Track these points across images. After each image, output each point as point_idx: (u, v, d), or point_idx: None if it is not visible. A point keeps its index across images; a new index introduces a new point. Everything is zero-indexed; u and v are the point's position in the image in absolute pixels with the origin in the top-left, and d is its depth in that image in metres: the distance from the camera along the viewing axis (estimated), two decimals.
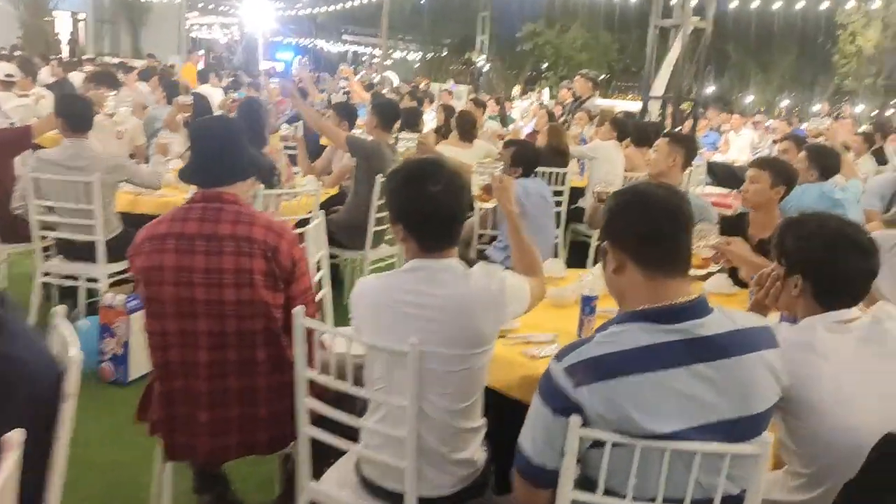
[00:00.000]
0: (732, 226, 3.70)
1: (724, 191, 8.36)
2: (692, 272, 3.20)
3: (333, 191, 5.38)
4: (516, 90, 26.19)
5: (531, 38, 26.90)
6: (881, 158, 8.95)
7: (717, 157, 10.50)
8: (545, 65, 28.22)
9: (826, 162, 4.55)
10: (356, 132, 5.64)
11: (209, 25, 41.71)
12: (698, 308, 1.68)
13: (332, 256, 5.25)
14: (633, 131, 6.73)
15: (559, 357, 1.66)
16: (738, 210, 3.81)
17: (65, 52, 25.12)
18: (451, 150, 6.79)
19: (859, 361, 1.90)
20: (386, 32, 30.23)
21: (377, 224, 5.01)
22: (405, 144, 6.65)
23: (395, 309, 2.02)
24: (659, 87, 8.41)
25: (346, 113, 5.58)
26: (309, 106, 5.33)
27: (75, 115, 4.08)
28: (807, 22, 22.35)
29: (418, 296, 2.01)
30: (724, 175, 9.18)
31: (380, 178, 4.88)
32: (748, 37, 25.07)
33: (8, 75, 6.69)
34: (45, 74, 10.95)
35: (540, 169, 6.25)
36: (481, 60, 24.87)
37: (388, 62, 36.64)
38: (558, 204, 5.93)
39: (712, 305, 1.72)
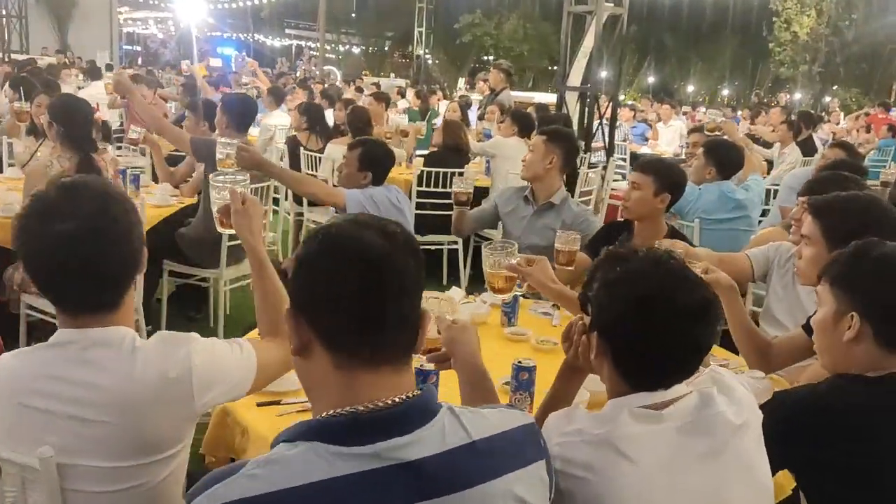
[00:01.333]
0: (611, 236, 3.19)
1: None
2: (489, 297, 2.79)
3: (190, 200, 4.74)
4: (461, 83, 25.71)
5: (469, 30, 26.37)
6: (809, 149, 8.59)
7: (645, 150, 10.09)
8: (490, 57, 27.75)
9: (725, 158, 4.08)
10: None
11: (144, 20, 40.42)
12: (408, 415, 1.12)
13: (186, 276, 4.65)
14: (540, 125, 6.19)
15: (193, 494, 1.08)
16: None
17: None
18: (341, 151, 6.18)
19: (678, 463, 1.36)
20: (324, 25, 29.44)
21: (232, 238, 4.38)
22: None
23: (23, 402, 1.42)
24: (575, 77, 7.89)
25: (207, 112, 4.92)
26: (144, 101, 4.64)
27: None
28: (743, 10, 22.22)
29: (59, 384, 1.42)
30: None
31: None
32: (685, 26, 24.90)
33: None
34: None
35: (437, 169, 5.74)
36: (421, 53, 24.24)
37: (333, 56, 35.91)
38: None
39: (443, 402, 1.17)
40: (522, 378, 2.02)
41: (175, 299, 5.06)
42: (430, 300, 2.14)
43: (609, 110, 7.97)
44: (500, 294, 2.56)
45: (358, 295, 1.11)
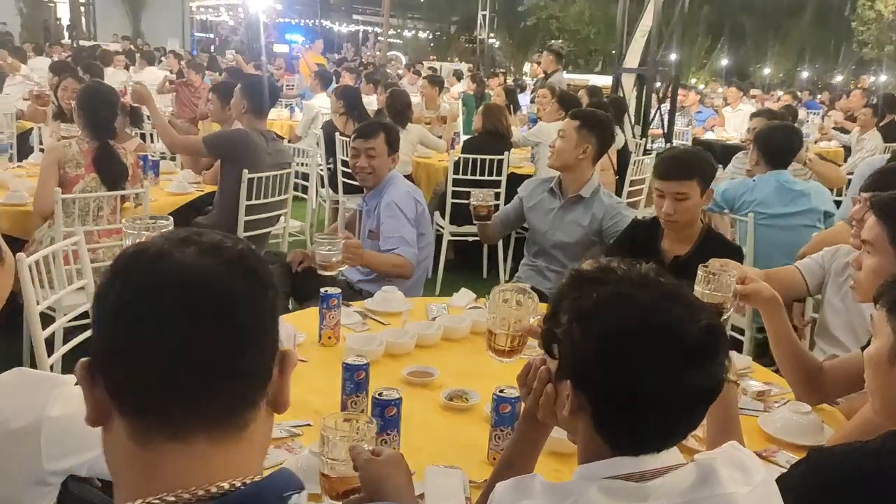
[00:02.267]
0: (636, 239, 2.79)
1: None
2: (496, 358, 1.85)
3: (211, 188, 4.52)
4: (527, 67, 25.11)
5: (534, 13, 25.72)
6: (893, 134, 7.90)
7: (710, 136, 9.51)
8: (558, 41, 27.06)
9: (773, 144, 3.63)
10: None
11: (215, 7, 40.97)
12: None
13: None
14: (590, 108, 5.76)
15: None
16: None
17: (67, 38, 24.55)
18: None
19: None
20: (388, 10, 29.29)
21: (248, 228, 4.16)
22: None
23: None
24: (632, 59, 7.40)
25: (228, 94, 4.68)
26: (159, 114, 4.48)
27: None
28: None
29: None
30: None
31: (247, 174, 4.03)
32: (761, 5, 23.73)
33: None
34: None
35: (474, 156, 5.39)
36: (484, 37, 23.77)
37: (399, 41, 35.73)
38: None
39: None
40: (503, 411, 1.66)
41: None
42: None
43: (669, 94, 7.46)
44: (503, 358, 1.83)
45: (155, 332, 0.78)
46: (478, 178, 5.34)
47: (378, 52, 29.40)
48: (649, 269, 1.14)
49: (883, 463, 1.22)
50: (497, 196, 5.13)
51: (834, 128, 9.29)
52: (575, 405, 1.11)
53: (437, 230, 5.60)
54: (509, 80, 15.28)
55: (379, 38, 33.10)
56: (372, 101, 7.47)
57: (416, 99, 8.69)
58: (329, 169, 6.09)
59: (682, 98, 10.43)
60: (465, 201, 5.23)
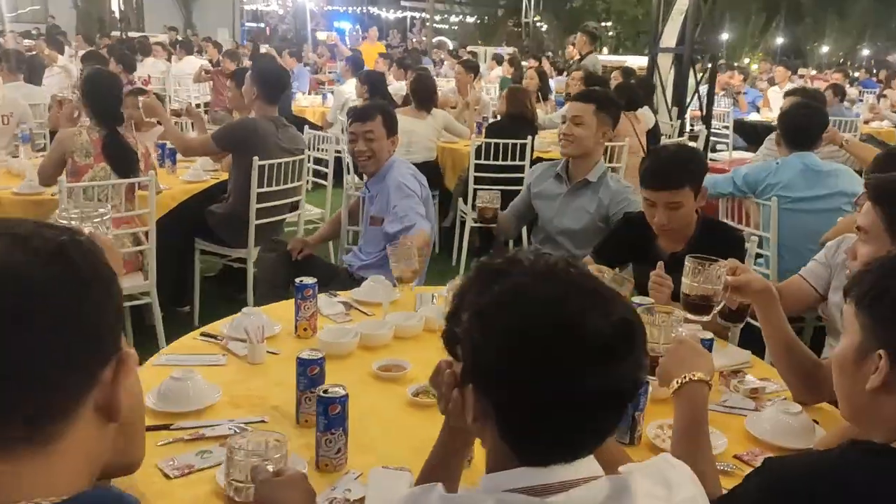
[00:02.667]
0: (635, 231, 2.64)
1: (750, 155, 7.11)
2: None
3: (226, 175, 4.50)
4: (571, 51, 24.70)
5: None
6: None
7: (755, 117, 9.19)
8: (604, 23, 26.52)
9: (795, 123, 3.43)
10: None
11: None
12: None
13: (220, 256, 4.43)
14: (618, 91, 5.58)
15: None
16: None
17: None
18: (402, 119, 5.80)
19: None
20: None
21: (260, 216, 4.13)
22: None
23: None
24: (669, 38, 7.15)
25: (244, 82, 4.63)
26: (171, 123, 4.50)
27: None
28: None
29: None
30: (751, 136, 7.91)
31: (257, 161, 3.99)
32: None
33: None
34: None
35: (496, 140, 5.28)
36: (530, 20, 23.47)
37: (446, 27, 35.53)
38: (516, 183, 4.92)
39: None
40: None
41: (221, 279, 4.89)
42: None
43: (707, 74, 7.20)
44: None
45: None
46: (500, 162, 5.23)
47: (424, 38, 29.29)
48: (559, 259, 1.03)
49: (840, 475, 1.09)
50: (516, 182, 5.04)
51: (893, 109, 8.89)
52: (479, 411, 1.01)
53: (461, 217, 5.51)
54: (549, 64, 15.00)
55: (426, 23, 32.93)
56: (402, 87, 7.38)
57: (452, 84, 8.60)
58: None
59: (728, 79, 10.10)
60: (488, 187, 5.16)
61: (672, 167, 2.43)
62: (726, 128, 8.17)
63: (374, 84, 6.10)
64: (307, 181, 5.22)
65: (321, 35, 33.83)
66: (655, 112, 6.65)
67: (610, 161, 5.16)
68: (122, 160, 3.63)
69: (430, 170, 5.91)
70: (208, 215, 4.25)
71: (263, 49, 12.82)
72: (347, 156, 6.02)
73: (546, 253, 1.09)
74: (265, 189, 4.09)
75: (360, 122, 3.21)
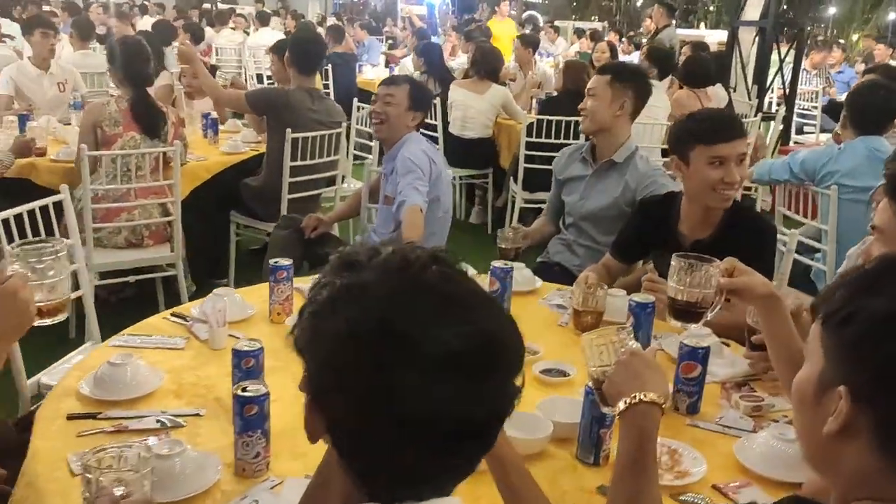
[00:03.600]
0: (654, 217, 2.41)
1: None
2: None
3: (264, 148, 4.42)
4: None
5: None
6: None
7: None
8: None
9: (864, 105, 3.07)
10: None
11: None
12: None
13: (255, 230, 4.37)
14: (686, 67, 5.22)
15: None
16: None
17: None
18: (460, 93, 5.64)
19: None
20: None
21: (293, 190, 4.03)
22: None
23: None
24: (753, 10, 6.66)
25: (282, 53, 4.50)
26: (206, 71, 4.41)
27: None
28: None
29: None
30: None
31: (290, 133, 3.89)
32: None
33: None
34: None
35: (553, 117, 5.02)
36: None
37: (539, 1, 34.80)
38: None
39: None
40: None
41: (264, 253, 4.84)
42: None
43: (792, 50, 6.69)
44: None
45: None
46: (553, 140, 4.98)
47: (514, 12, 28.77)
48: (423, 255, 0.86)
49: None
50: None
51: None
52: (320, 430, 0.86)
53: (512, 196, 5.31)
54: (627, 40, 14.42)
55: None
56: (466, 61, 7.17)
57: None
58: None
59: (821, 57, 9.42)
60: (539, 166, 4.94)
61: (731, 115, 2.30)
62: (814, 108, 7.61)
63: (430, 56, 5.93)
64: (349, 155, 5.12)
65: (409, 8, 33.80)
66: (732, 90, 6.24)
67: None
68: (150, 119, 3.62)
69: (486, 147, 5.72)
70: (243, 188, 4.19)
71: (331, 20, 12.76)
72: None
73: (417, 247, 0.90)
74: (298, 163, 3.99)
75: (385, 86, 3.11)
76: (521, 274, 2.40)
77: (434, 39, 13.38)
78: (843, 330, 0.90)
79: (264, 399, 1.41)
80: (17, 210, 2.55)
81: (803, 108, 7.64)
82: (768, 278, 2.05)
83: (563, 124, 4.97)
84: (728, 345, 2.02)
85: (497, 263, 2.14)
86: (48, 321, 1.46)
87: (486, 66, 5.65)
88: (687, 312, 1.63)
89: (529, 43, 7.16)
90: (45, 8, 9.92)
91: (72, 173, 3.85)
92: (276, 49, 4.72)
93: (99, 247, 3.56)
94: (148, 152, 3.58)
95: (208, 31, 10.45)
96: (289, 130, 3.89)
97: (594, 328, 2.03)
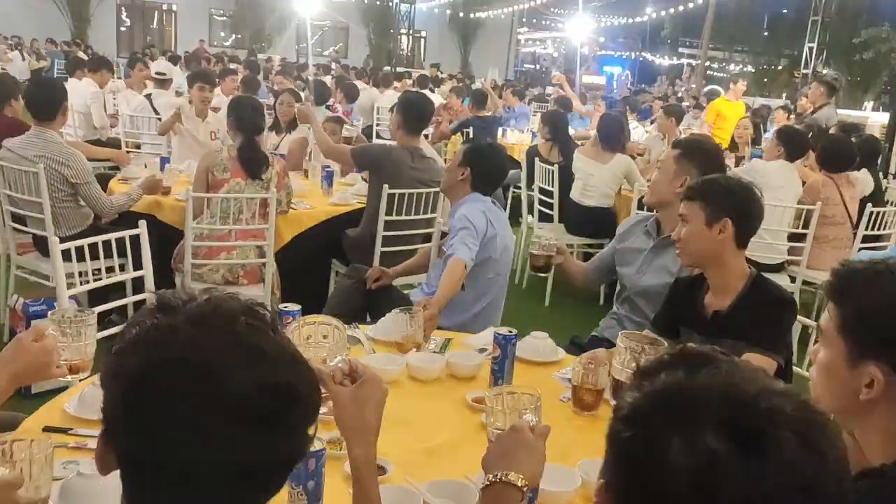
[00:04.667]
0: (682, 292, 2.30)
1: None
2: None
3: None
4: (868, 107, 22.28)
5: (873, 46, 22.72)
6: None
7: None
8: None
9: None
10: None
11: (542, 40, 42.51)
12: None
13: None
14: (822, 149, 4.88)
15: None
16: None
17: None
18: (582, 161, 5.59)
19: None
20: (707, 41, 27.97)
21: (387, 244, 4.15)
22: None
23: None
24: None
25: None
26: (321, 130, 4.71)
27: (38, 102, 3.89)
28: None
29: None
30: None
31: (387, 189, 4.03)
32: None
33: (159, 73, 6.99)
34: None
35: None
36: (808, 72, 21.63)
37: (723, 75, 33.95)
38: None
39: None
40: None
41: None
42: None
43: None
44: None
45: None
46: None
47: (692, 86, 28.21)
48: (237, 304, 0.91)
49: None
50: None
51: None
52: (111, 462, 0.90)
53: None
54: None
55: (694, 70, 31.75)
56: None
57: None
58: (529, 195, 5.93)
59: None
60: None
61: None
62: None
63: (554, 124, 5.94)
64: None
65: (587, 79, 34.01)
66: (887, 176, 5.74)
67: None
68: (253, 162, 3.87)
69: (605, 216, 5.60)
70: (343, 237, 4.36)
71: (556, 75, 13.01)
72: (527, 194, 5.93)
73: (232, 298, 0.93)
74: (394, 217, 4.11)
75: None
76: (544, 343, 2.32)
77: (609, 110, 13.37)
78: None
79: None
80: (101, 237, 2.82)
81: None
82: (781, 349, 1.99)
83: None
84: None
85: (501, 330, 2.09)
86: (71, 377, 1.71)
87: (611, 137, 5.58)
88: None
89: (672, 113, 7.01)
90: (232, 65, 11.01)
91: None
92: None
93: (198, 281, 3.82)
94: (248, 197, 3.82)
95: (372, 91, 11.10)
96: (386, 186, 4.03)
97: (593, 407, 1.94)
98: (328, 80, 11.85)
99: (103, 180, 4.62)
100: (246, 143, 3.95)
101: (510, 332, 2.09)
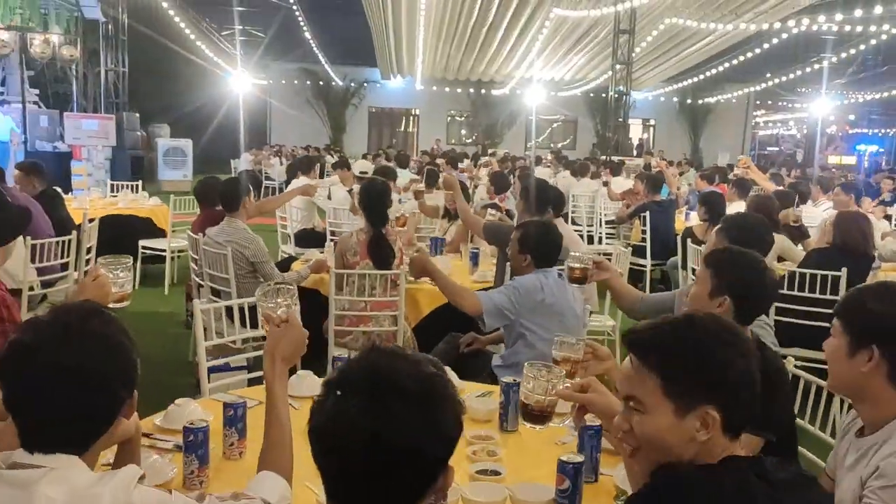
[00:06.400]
0: None
1: None
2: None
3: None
4: None
5: None
6: None
7: None
8: None
9: None
10: None
11: (784, 121, 40.47)
12: None
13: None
14: None
15: None
16: None
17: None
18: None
19: None
20: None
21: None
22: None
23: None
24: None
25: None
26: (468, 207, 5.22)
27: (227, 197, 4.83)
28: None
29: None
30: None
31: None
32: None
33: (363, 172, 8.00)
34: None
35: (812, 271, 4.71)
36: None
37: None
38: (823, 318, 4.32)
39: None
40: None
41: None
42: None
43: None
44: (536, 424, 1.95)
45: None
46: (807, 294, 4.66)
47: None
48: (85, 305, 1.43)
49: None
50: None
51: None
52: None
53: None
54: None
55: None
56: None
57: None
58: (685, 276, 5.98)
59: None
60: (794, 320, 4.61)
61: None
62: None
63: (711, 205, 5.98)
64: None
65: (833, 159, 31.66)
66: None
67: None
68: (381, 257, 4.40)
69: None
70: None
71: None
72: (682, 275, 5.97)
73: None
74: None
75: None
76: None
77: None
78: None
79: None
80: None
81: None
82: (788, 420, 2.25)
83: (830, 279, 4.63)
84: None
85: (564, 457, 1.89)
86: (117, 305, 2.37)
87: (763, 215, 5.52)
88: (531, 415, 1.81)
89: (851, 189, 6.70)
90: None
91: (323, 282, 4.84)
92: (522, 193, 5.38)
93: (340, 346, 4.41)
94: (375, 273, 4.35)
95: (569, 178, 11.59)
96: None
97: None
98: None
99: (289, 261, 5.55)
100: (375, 237, 4.40)
101: (577, 461, 1.94)
